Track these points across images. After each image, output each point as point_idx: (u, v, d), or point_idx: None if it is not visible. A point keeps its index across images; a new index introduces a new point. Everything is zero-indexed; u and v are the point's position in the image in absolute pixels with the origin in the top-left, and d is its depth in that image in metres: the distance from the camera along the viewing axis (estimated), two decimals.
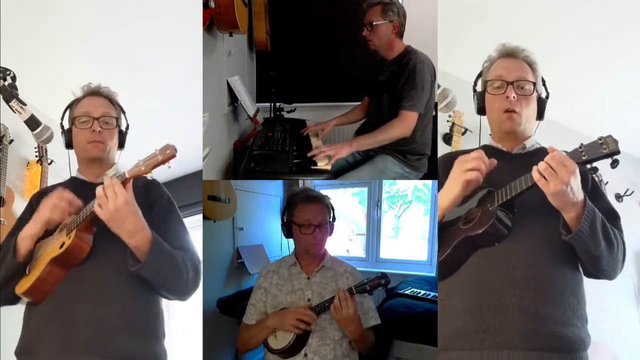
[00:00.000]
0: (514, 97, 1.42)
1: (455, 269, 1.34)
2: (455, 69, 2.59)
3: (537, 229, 1.31)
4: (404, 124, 2.32)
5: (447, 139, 2.84)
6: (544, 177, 1.18)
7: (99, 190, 1.32)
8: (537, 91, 1.47)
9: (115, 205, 1.30)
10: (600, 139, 1.18)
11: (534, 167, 1.21)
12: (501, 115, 1.45)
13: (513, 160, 1.44)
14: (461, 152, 1.60)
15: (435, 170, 1.59)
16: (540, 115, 1.50)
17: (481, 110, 1.54)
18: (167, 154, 1.32)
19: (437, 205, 1.43)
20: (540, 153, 1.22)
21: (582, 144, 1.20)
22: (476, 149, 1.54)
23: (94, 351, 1.33)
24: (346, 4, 3.45)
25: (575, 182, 1.19)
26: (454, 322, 1.29)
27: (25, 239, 1.43)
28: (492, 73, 1.49)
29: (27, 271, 1.44)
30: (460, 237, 1.32)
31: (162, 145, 1.34)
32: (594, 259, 1.27)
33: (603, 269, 1.30)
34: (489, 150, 1.51)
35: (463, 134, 2.78)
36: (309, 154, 2.18)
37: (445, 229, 1.40)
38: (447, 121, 2.80)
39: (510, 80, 1.44)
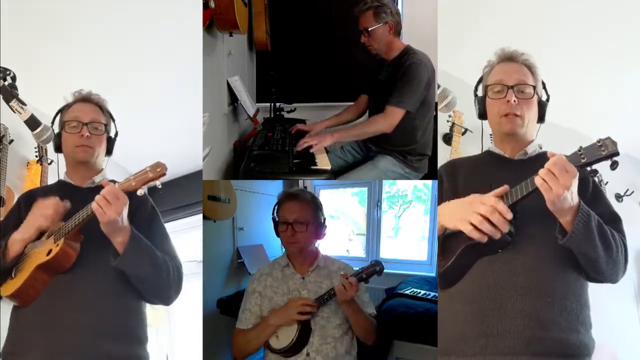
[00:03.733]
0: (514, 100, 1.42)
1: (459, 277, 1.34)
2: (456, 69, 2.59)
3: (539, 235, 1.30)
4: (387, 120, 2.31)
5: (447, 139, 2.83)
6: (546, 183, 1.17)
7: (99, 197, 1.34)
8: (537, 94, 1.48)
9: (121, 208, 1.34)
10: (599, 141, 1.18)
11: (537, 175, 1.20)
12: (501, 119, 1.45)
13: (515, 167, 1.44)
14: (464, 159, 1.61)
15: (435, 170, 1.60)
16: (541, 118, 1.51)
17: (482, 115, 1.54)
18: (158, 172, 1.36)
19: (437, 205, 1.43)
20: (542, 159, 1.21)
21: (581, 146, 1.20)
22: (480, 153, 1.53)
23: (79, 355, 1.35)
24: (346, 4, 3.44)
25: (574, 187, 1.19)
26: (456, 327, 1.29)
27: (16, 242, 1.45)
28: (492, 78, 1.49)
29: (12, 274, 1.45)
30: (464, 245, 1.31)
31: (154, 161, 1.37)
32: (591, 261, 1.27)
33: (603, 272, 1.30)
34: (490, 156, 1.53)
35: (463, 134, 2.77)
36: (296, 148, 2.24)
37: (447, 238, 1.39)
38: (447, 121, 2.79)
39: (511, 84, 1.44)
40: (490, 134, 1.59)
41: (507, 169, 1.38)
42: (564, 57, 2.65)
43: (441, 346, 1.32)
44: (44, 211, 1.44)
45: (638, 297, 3.49)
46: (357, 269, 1.75)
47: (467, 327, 1.27)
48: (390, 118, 2.30)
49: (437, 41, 2.32)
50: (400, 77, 2.31)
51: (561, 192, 1.16)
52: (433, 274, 2.88)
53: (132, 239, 1.39)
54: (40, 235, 1.47)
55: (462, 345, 1.27)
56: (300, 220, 1.76)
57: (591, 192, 1.39)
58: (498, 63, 1.52)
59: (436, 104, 2.31)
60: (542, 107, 1.49)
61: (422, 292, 2.45)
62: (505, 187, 1.29)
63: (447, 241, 1.38)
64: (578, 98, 2.92)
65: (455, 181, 1.48)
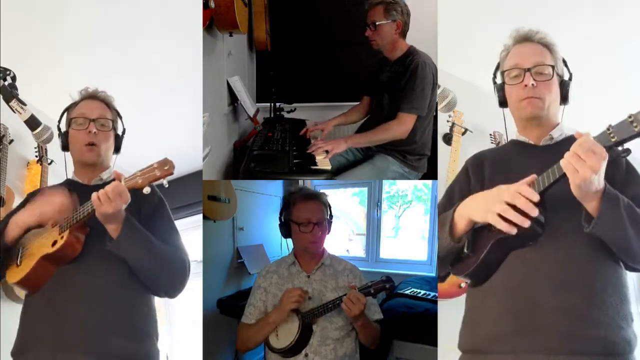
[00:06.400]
0: (532, 84, 1.35)
1: (490, 273, 1.28)
2: (456, 69, 2.58)
3: (571, 224, 1.21)
4: (401, 127, 2.32)
5: (447, 139, 2.83)
6: (572, 165, 1.10)
7: (102, 192, 1.34)
8: (557, 74, 1.40)
9: (121, 205, 1.34)
10: (630, 116, 1.08)
11: (563, 158, 1.13)
12: (521, 102, 1.38)
13: (541, 154, 1.36)
14: (489, 150, 1.55)
15: (435, 170, 1.58)
16: (564, 99, 1.42)
17: (503, 103, 1.47)
18: (165, 170, 1.34)
19: (437, 205, 1.41)
20: (569, 143, 1.12)
21: (610, 125, 1.11)
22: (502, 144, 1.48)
23: (87, 350, 1.35)
24: (346, 3, 3.45)
25: (602, 170, 1.10)
26: (488, 324, 1.24)
27: (16, 225, 1.46)
28: (508, 62, 1.43)
29: (18, 262, 1.46)
30: (493, 240, 1.24)
31: (161, 158, 1.35)
32: (624, 248, 1.18)
33: (639, 258, 1.21)
34: (515, 144, 1.46)
35: (463, 134, 2.77)
36: (307, 150, 2.24)
37: (477, 232, 1.31)
38: (447, 121, 2.79)
39: (527, 66, 1.37)
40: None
41: (533, 156, 1.31)
42: (565, 56, 2.64)
43: (474, 344, 1.28)
44: (48, 200, 1.45)
45: (638, 297, 3.49)
46: (368, 282, 1.72)
47: (500, 325, 1.21)
48: (404, 124, 2.32)
49: (437, 41, 2.32)
50: (407, 81, 2.31)
51: (588, 176, 1.08)
52: (433, 274, 2.88)
53: (126, 224, 1.39)
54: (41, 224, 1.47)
55: (495, 343, 1.21)
56: (322, 220, 1.80)
57: (625, 172, 1.29)
58: (513, 45, 1.45)
59: (436, 103, 2.32)
60: (564, 86, 1.41)
61: (422, 292, 2.45)
62: (532, 177, 1.21)
63: (477, 236, 1.31)
64: (578, 98, 2.92)
65: (482, 174, 1.42)
